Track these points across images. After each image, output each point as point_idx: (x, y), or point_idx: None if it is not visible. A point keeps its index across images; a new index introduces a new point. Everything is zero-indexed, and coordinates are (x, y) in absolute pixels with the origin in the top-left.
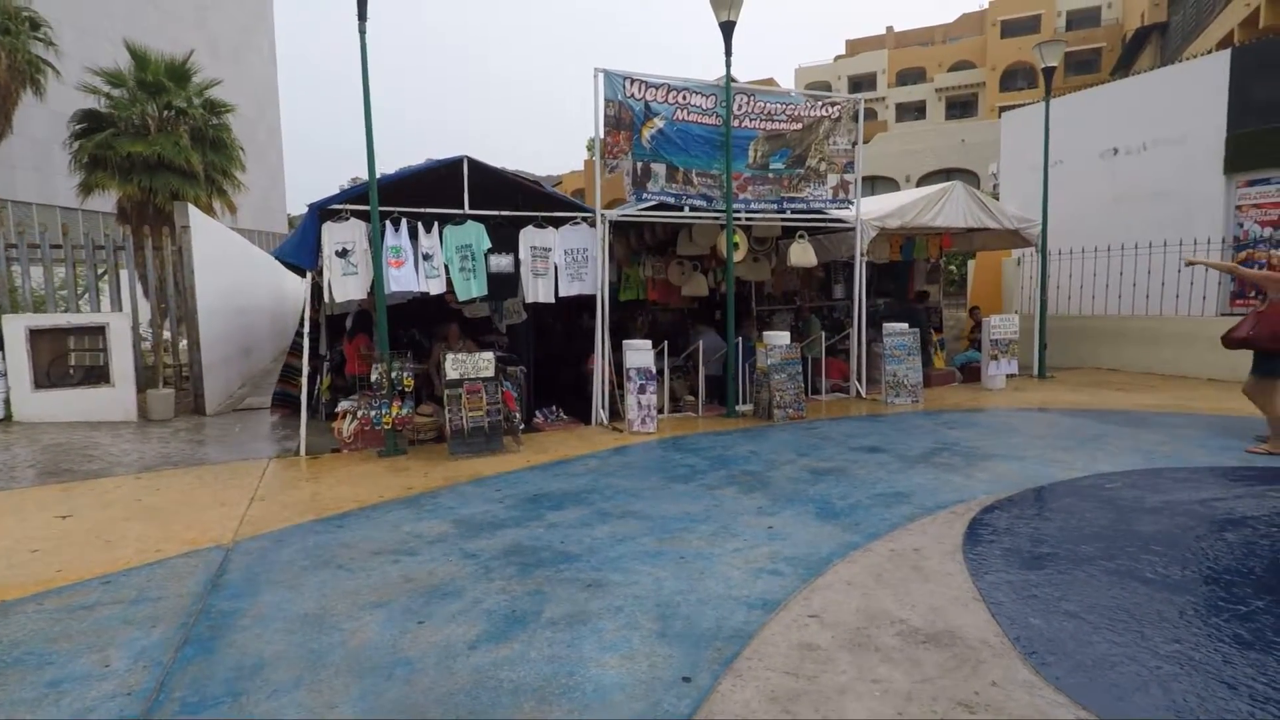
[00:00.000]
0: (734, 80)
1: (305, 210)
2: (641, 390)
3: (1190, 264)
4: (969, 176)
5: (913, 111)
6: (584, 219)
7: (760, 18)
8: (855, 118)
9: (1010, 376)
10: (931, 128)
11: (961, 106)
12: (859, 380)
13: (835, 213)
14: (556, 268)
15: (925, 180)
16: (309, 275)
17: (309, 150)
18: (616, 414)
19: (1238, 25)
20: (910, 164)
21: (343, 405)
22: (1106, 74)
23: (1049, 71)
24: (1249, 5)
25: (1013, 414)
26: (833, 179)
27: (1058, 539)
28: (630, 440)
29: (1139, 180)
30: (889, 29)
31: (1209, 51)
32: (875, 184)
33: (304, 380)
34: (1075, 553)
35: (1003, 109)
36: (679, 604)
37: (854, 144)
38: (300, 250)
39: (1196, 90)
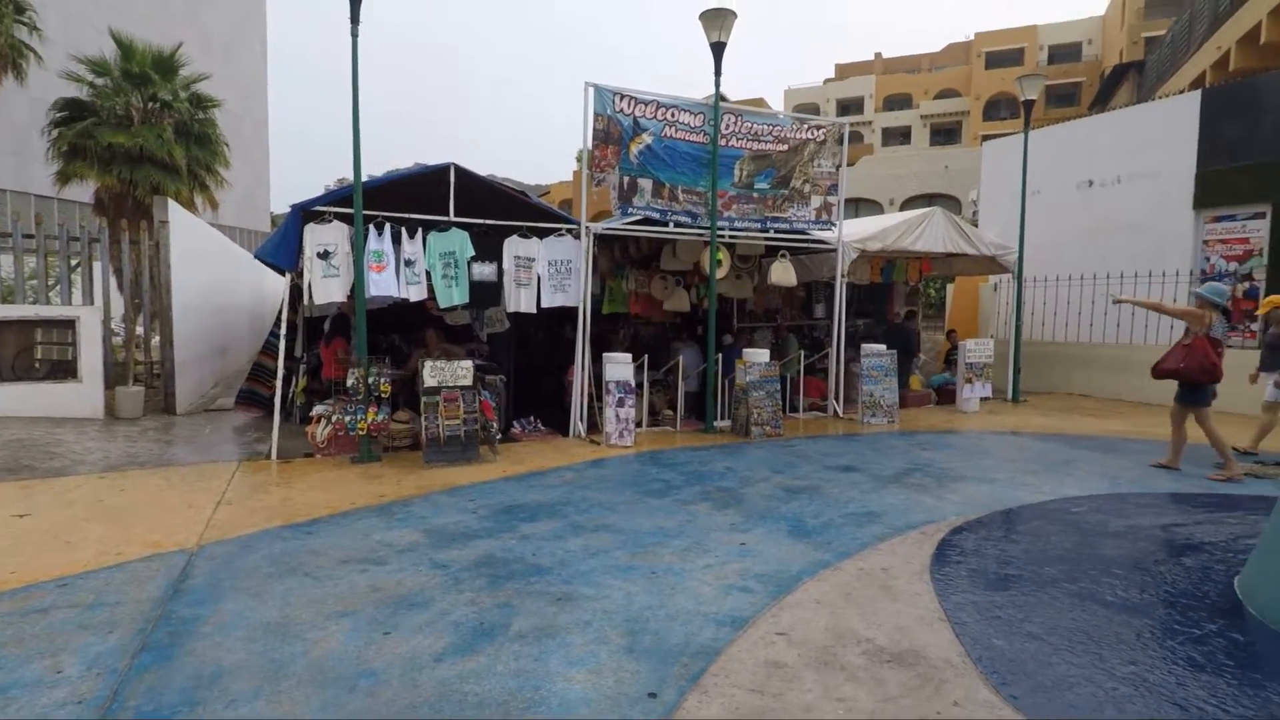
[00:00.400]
0: (724, 99)
1: (289, 210)
2: (620, 403)
3: (1118, 302)
4: (951, 202)
5: (898, 136)
6: (569, 230)
7: (753, 37)
8: (840, 141)
9: (984, 399)
10: (916, 153)
11: (946, 133)
12: (836, 400)
13: (817, 234)
14: (540, 278)
15: (909, 204)
16: (288, 276)
17: (306, 148)
18: (595, 426)
19: (1209, 67)
20: (894, 187)
21: (317, 409)
22: (1085, 108)
23: (1029, 104)
24: (1220, 49)
25: (985, 436)
26: (816, 200)
27: (1023, 561)
28: (607, 453)
29: (1113, 212)
30: (877, 55)
31: (1182, 91)
32: (859, 206)
33: (278, 382)
34: (1039, 575)
35: (985, 137)
36: (648, 619)
37: (838, 167)
38: (281, 250)
39: (1169, 128)
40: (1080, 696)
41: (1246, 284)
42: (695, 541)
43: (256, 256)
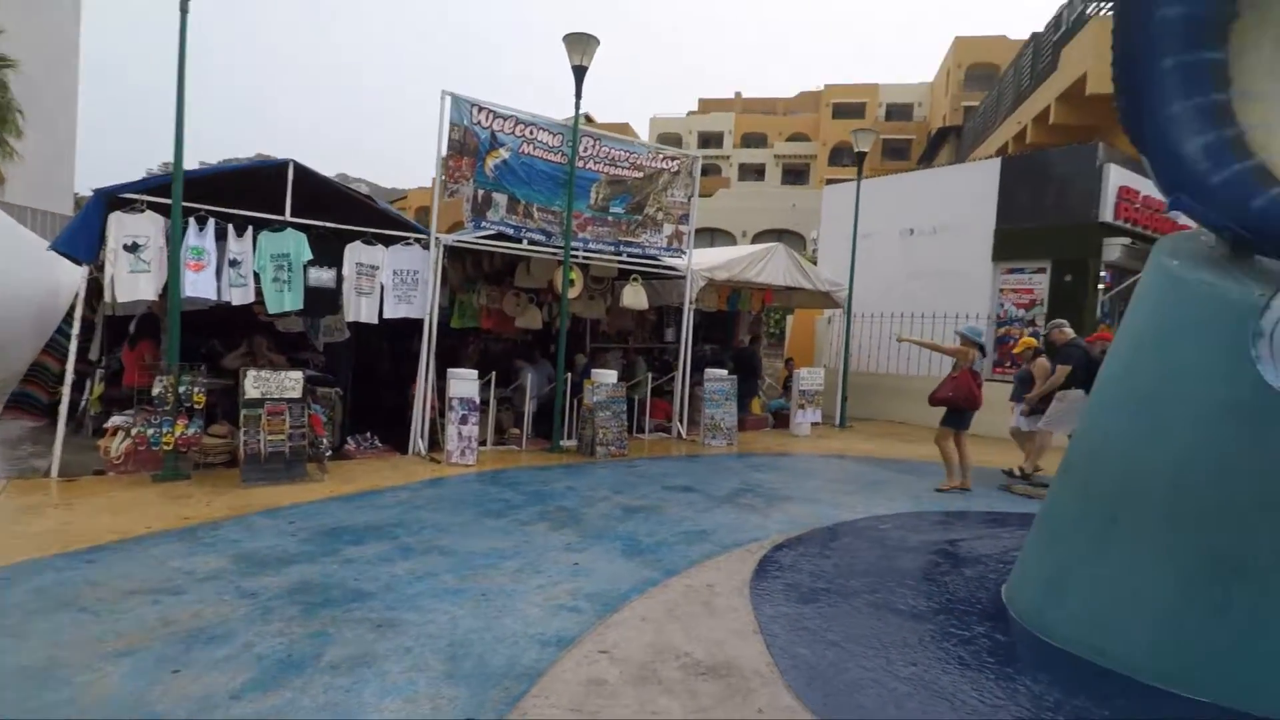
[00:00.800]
0: (590, 120)
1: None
2: (463, 421)
3: (900, 340)
4: (797, 238)
5: (754, 173)
6: (417, 240)
7: (620, 66)
8: (692, 173)
9: (815, 424)
10: (769, 190)
11: (796, 174)
12: (680, 422)
13: (668, 260)
14: (383, 287)
15: (760, 237)
16: (87, 269)
17: (133, 128)
18: (437, 444)
19: (1011, 138)
20: (747, 220)
21: (114, 421)
22: (914, 163)
23: (861, 155)
24: (1019, 124)
25: (813, 459)
26: (668, 228)
27: (832, 575)
28: (447, 472)
29: (929, 259)
30: (737, 94)
31: (989, 156)
32: (715, 236)
33: (65, 388)
34: (845, 587)
35: (829, 181)
36: (473, 643)
37: (690, 198)
38: (78, 238)
39: (975, 188)
40: (868, 697)
41: (1031, 328)
42: (529, 562)
43: (51, 248)
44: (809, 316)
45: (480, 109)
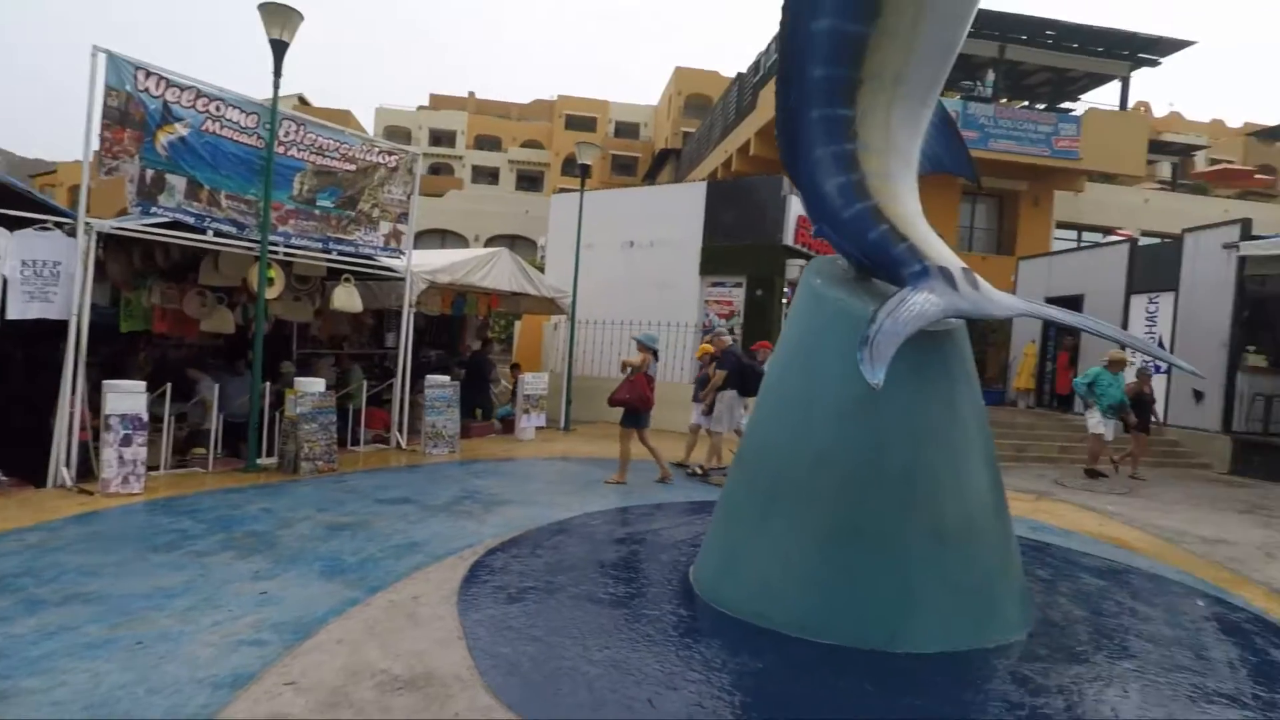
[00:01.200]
0: (305, 104)
1: None
2: (125, 442)
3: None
4: (529, 244)
5: (488, 176)
6: (58, 224)
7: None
8: (411, 170)
9: (540, 428)
10: (503, 194)
11: (530, 180)
12: (400, 431)
13: (386, 261)
14: (5, 281)
15: (493, 241)
16: None
17: None
18: (92, 473)
19: (720, 165)
20: (481, 224)
21: None
22: (640, 180)
23: (585, 167)
24: (726, 152)
25: (536, 463)
26: (385, 226)
27: (541, 573)
28: (103, 504)
29: (647, 270)
30: (471, 94)
31: (701, 179)
32: (446, 237)
33: None
34: (552, 584)
35: (562, 190)
36: (119, 700)
37: (409, 195)
38: None
39: (685, 207)
40: (563, 685)
41: (731, 337)
42: (205, 598)
43: None
44: (536, 322)
45: (149, 74)
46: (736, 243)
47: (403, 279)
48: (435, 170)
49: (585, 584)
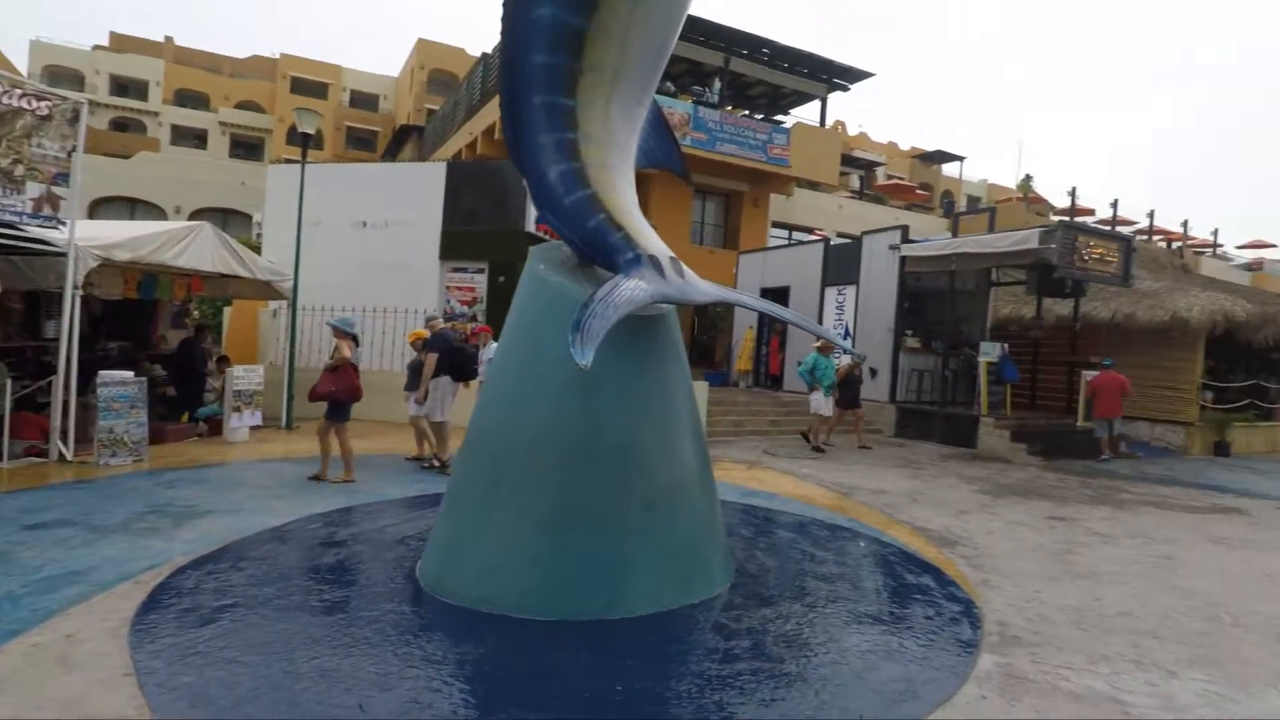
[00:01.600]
0: None
1: None
2: None
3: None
4: (245, 219)
5: (193, 138)
6: None
7: None
8: (74, 122)
9: (256, 428)
10: (212, 161)
11: (248, 147)
12: (65, 440)
13: (38, 232)
14: None
15: (200, 214)
16: None
17: None
18: None
19: (465, 146)
20: (184, 194)
21: None
22: (380, 155)
23: (305, 136)
24: (471, 134)
25: (249, 466)
26: (35, 189)
27: (243, 588)
28: None
29: (382, 252)
30: (168, 39)
31: (444, 160)
32: (136, 207)
33: None
34: (255, 598)
35: (288, 160)
36: None
37: (70, 153)
38: None
39: (424, 188)
40: (260, 706)
41: (474, 322)
42: None
43: None
44: (250, 308)
45: None
46: (478, 227)
47: (64, 254)
48: (121, 126)
49: (296, 594)
